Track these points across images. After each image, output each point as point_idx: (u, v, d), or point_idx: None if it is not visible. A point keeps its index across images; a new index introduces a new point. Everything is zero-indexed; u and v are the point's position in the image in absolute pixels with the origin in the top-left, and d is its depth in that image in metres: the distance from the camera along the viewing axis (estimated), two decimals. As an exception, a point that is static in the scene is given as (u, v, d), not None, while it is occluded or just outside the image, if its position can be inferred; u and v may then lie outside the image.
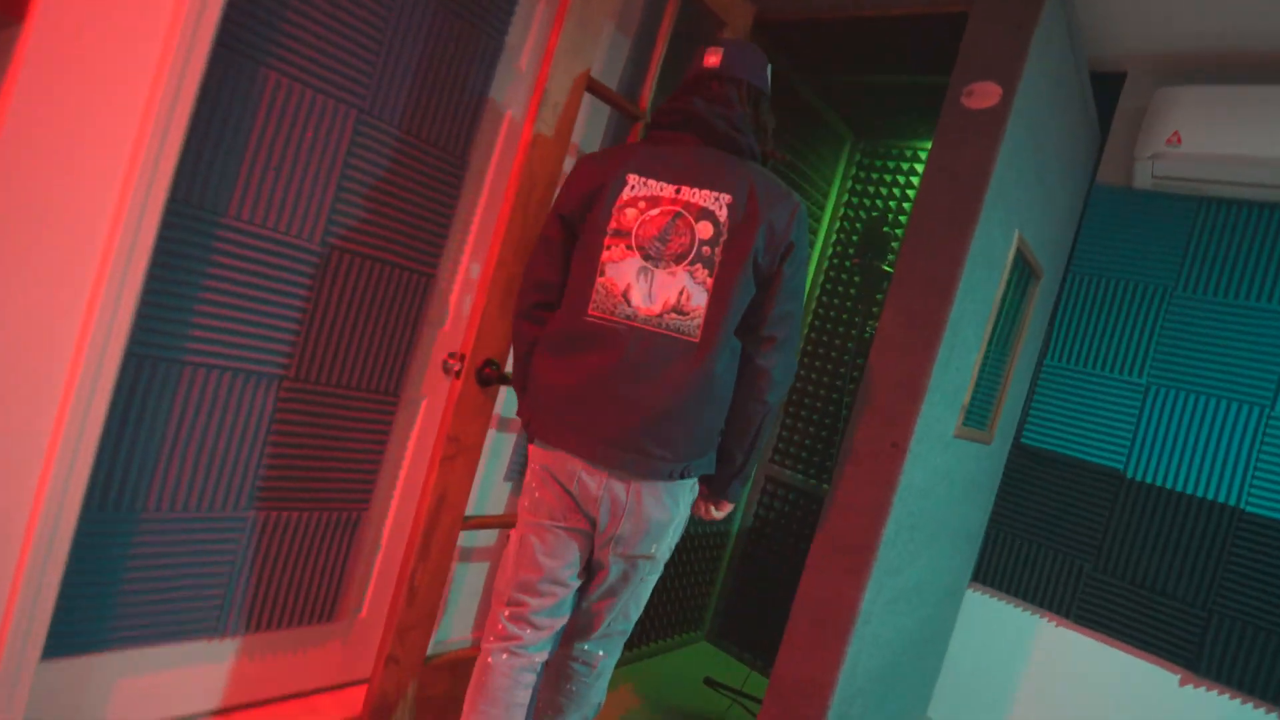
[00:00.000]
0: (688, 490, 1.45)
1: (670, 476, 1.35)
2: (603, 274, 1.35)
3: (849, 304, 2.76)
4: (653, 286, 1.33)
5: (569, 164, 1.98)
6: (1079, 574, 2.15)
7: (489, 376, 1.54)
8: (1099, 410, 2.18)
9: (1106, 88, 2.24)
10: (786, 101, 2.28)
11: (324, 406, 1.66)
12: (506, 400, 2.03)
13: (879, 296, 2.64)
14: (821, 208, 2.84)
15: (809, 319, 2.82)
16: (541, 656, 1.46)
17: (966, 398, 1.73)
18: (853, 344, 2.69)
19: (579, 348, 1.36)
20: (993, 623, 2.27)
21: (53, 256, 1.16)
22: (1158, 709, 2.00)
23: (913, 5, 1.76)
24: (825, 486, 2.67)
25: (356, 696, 1.80)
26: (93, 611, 1.40)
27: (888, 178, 2.76)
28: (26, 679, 1.23)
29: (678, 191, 1.36)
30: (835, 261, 2.84)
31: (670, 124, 1.43)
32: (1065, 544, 2.18)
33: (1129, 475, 2.11)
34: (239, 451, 1.54)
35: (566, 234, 1.43)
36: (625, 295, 1.34)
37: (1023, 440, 2.28)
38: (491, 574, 2.15)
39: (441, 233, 1.78)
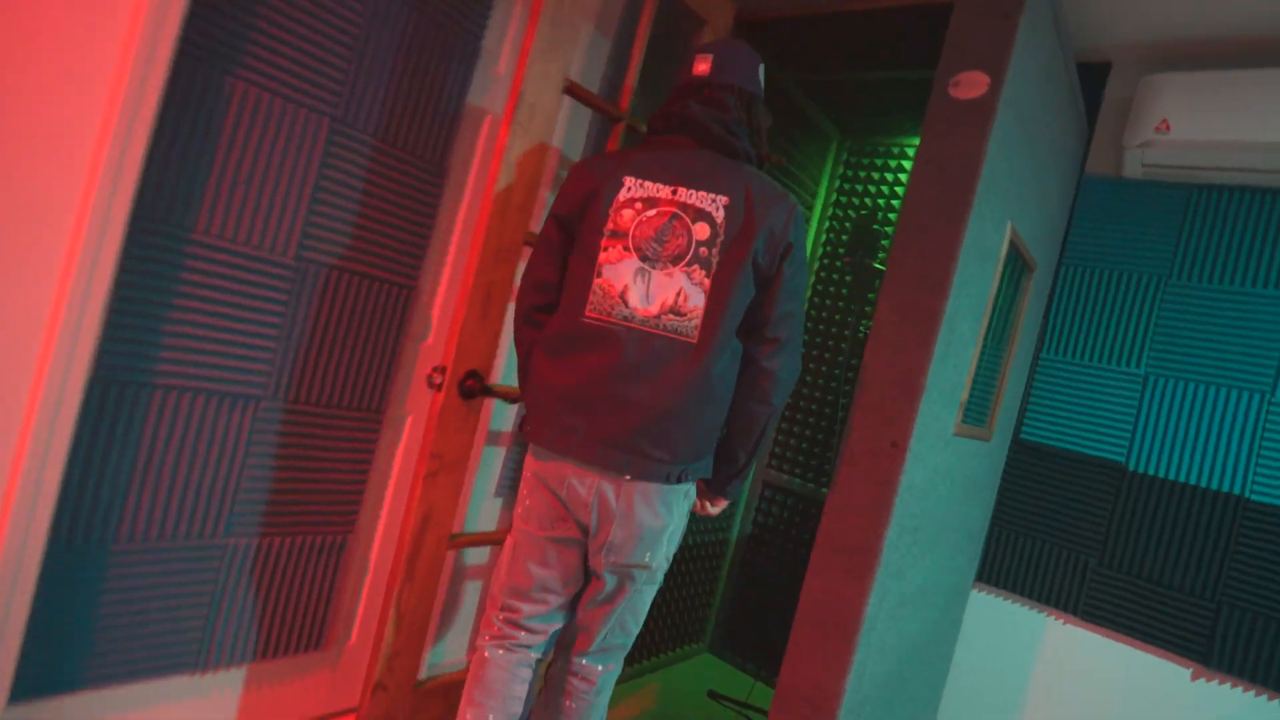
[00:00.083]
0: (682, 497, 1.42)
1: (667, 479, 1.34)
2: (600, 275, 1.35)
3: (841, 304, 2.72)
4: (650, 287, 1.33)
5: (559, 170, 1.94)
6: (1084, 570, 2.11)
7: (471, 389, 1.49)
8: (1098, 403, 2.15)
9: (1091, 78, 2.22)
10: (771, 101, 2.24)
11: (304, 427, 1.60)
12: (495, 413, 1.97)
13: (871, 296, 2.61)
14: (810, 208, 2.81)
15: (800, 320, 2.78)
16: (538, 654, 1.47)
17: (964, 394, 1.69)
18: (846, 344, 2.66)
19: (577, 349, 1.35)
20: (999, 623, 2.23)
21: (6, 278, 1.11)
22: (1171, 705, 1.95)
23: (895, -3, 1.74)
24: (824, 490, 2.63)
25: (347, 727, 1.74)
26: (63, 651, 1.34)
27: (875, 175, 2.73)
28: (-8, 725, 1.17)
29: (674, 193, 1.36)
30: (826, 261, 2.81)
31: (667, 128, 1.44)
32: (1069, 540, 2.14)
33: (1131, 468, 2.08)
34: (215, 477, 1.48)
35: (564, 236, 1.44)
36: (623, 296, 1.34)
37: (1022, 436, 2.25)
38: (485, 593, 2.09)
39: (421, 243, 1.73)
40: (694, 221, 1.34)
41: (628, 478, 1.33)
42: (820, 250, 2.83)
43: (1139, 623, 2.01)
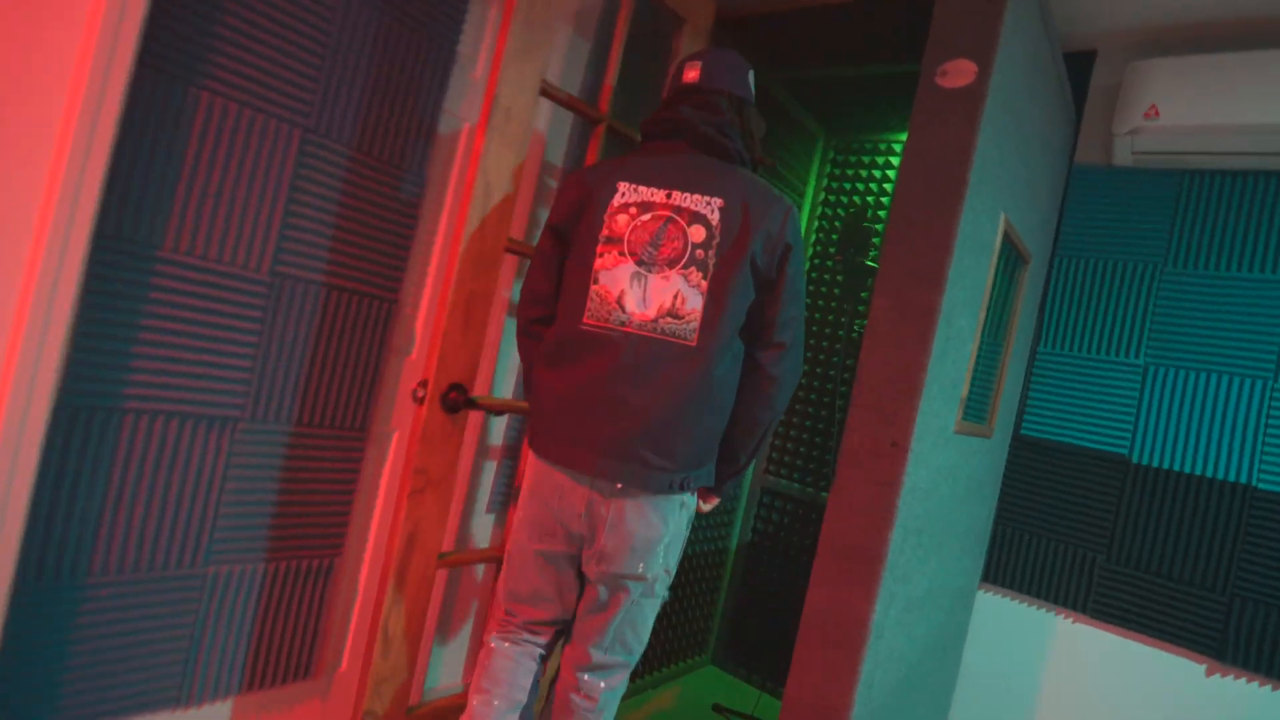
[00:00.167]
0: (678, 507, 1.38)
1: (670, 488, 1.32)
2: (596, 281, 1.35)
3: (833, 304, 2.69)
4: (646, 291, 1.32)
5: (541, 174, 1.90)
6: (1092, 566, 2.06)
7: (455, 401, 1.44)
8: (1098, 395, 2.11)
9: (1077, 67, 2.20)
10: (755, 101, 2.21)
11: (285, 448, 1.55)
12: (491, 427, 1.92)
13: (864, 294, 2.57)
14: (798, 207, 2.77)
15: (793, 322, 2.75)
16: (542, 649, 1.49)
17: (964, 390, 1.65)
18: (841, 344, 2.62)
19: (575, 356, 1.35)
20: (1007, 624, 2.18)
21: (-40, 302, 1.06)
22: (1186, 701, 1.91)
23: (877, -12, 1.71)
24: (823, 494, 2.58)
25: (339, 758, 1.67)
26: (36, 692, 1.27)
27: (863, 173, 2.70)
28: (-43, 776, 1.10)
29: (669, 196, 1.35)
30: (817, 261, 2.77)
31: (660, 133, 1.44)
32: (1075, 536, 2.10)
33: (1134, 460, 2.04)
34: (193, 503, 1.42)
35: (560, 245, 1.44)
36: (619, 301, 1.33)
37: (1022, 432, 2.21)
38: (482, 613, 2.03)
39: (402, 255, 1.69)
40: (689, 225, 1.34)
41: (618, 486, 1.31)
42: (810, 250, 2.80)
43: (1150, 619, 1.97)
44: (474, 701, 1.42)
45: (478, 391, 1.82)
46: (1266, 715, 1.80)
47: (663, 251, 1.33)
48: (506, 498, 2.00)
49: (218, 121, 1.34)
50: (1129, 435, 2.05)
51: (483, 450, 1.94)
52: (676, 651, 2.57)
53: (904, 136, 2.62)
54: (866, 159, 2.71)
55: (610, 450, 1.31)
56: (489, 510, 1.98)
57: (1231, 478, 1.90)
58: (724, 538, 2.73)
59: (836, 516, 1.47)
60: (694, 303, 1.32)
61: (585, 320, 1.35)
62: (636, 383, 1.31)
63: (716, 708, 2.35)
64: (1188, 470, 1.97)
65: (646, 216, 1.35)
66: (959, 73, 1.45)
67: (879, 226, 2.60)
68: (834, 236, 2.74)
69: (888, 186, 2.64)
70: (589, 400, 1.33)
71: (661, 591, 1.44)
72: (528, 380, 1.48)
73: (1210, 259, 2.00)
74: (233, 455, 1.46)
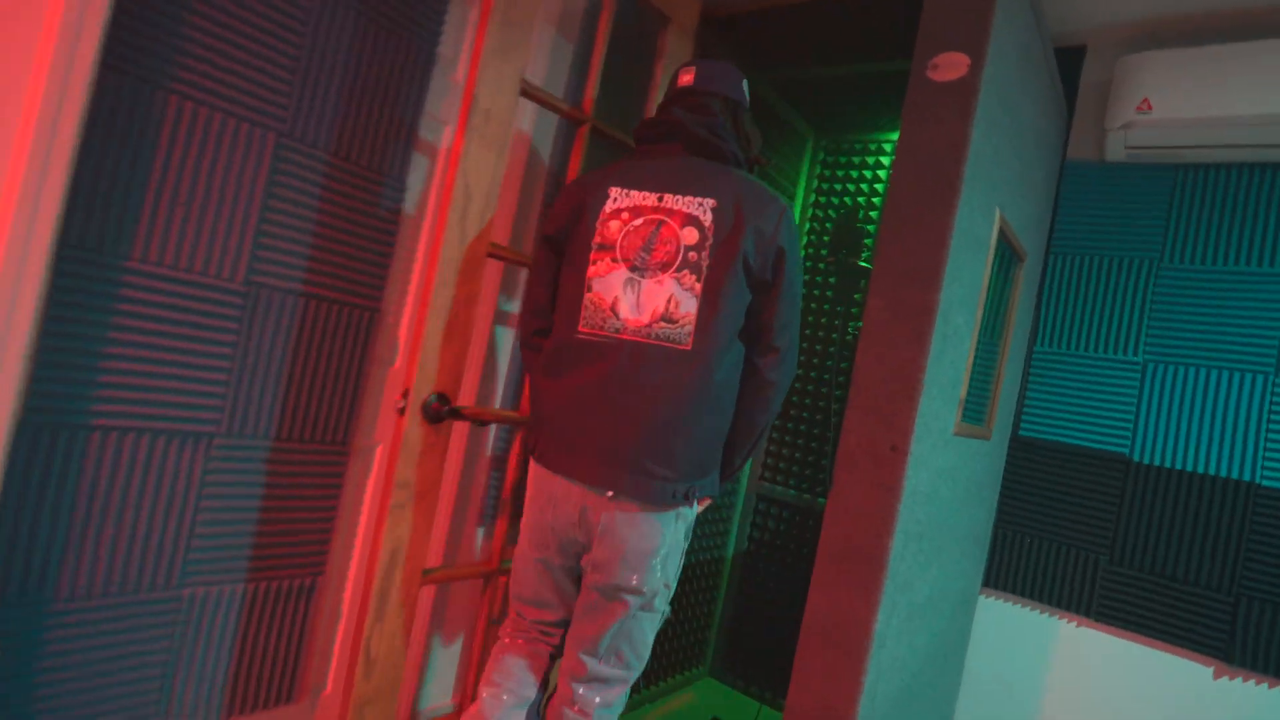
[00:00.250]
0: (674, 518, 1.33)
1: (673, 498, 1.30)
2: (590, 289, 1.34)
3: (826, 306, 2.65)
4: (640, 297, 1.31)
5: (525, 177, 1.86)
6: (1094, 568, 2.02)
7: (438, 412, 1.39)
8: (1097, 394, 2.08)
9: (1067, 63, 2.18)
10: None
11: (264, 463, 1.49)
12: (473, 437, 1.87)
13: (857, 296, 2.54)
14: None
15: (786, 326, 2.71)
16: (553, 650, 1.50)
17: (963, 391, 1.61)
18: (835, 347, 2.58)
19: (571, 365, 1.33)
20: (1010, 629, 2.14)
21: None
22: (1193, 705, 1.87)
23: (866, -16, 1.68)
24: (820, 500, 2.54)
25: (325, 784, 1.61)
26: (-1, 724, 1.21)
27: (854, 173, 2.67)
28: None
29: (660, 199, 1.34)
30: (809, 264, 2.74)
31: (655, 136, 1.43)
32: (1077, 538, 2.06)
33: (1135, 459, 2.01)
34: (166, 522, 1.36)
35: (555, 256, 1.44)
36: (613, 308, 1.31)
37: (1020, 433, 2.17)
38: (472, 629, 1.97)
39: (383, 262, 1.64)
40: (682, 227, 1.32)
41: (609, 494, 1.28)
42: (802, 253, 2.76)
43: (1155, 621, 1.93)
44: (483, 694, 1.43)
45: (463, 401, 1.78)
46: (1277, 719, 1.76)
47: (655, 256, 1.32)
48: (497, 510, 1.94)
49: (187, 126, 1.29)
50: (1129, 434, 2.02)
51: (471, 461, 1.89)
52: (673, 664, 2.51)
53: (894, 136, 2.60)
54: (857, 159, 2.68)
55: (605, 458, 1.29)
56: (479, 523, 1.93)
57: (1234, 475, 1.87)
58: (720, 546, 2.68)
59: (835, 522, 1.43)
60: (688, 306, 1.30)
61: (580, 328, 1.34)
62: (632, 389, 1.29)
63: (715, 721, 2.30)
64: (1189, 468, 1.93)
65: (638, 221, 1.34)
66: (951, 66, 1.42)
67: (870, 227, 2.57)
68: (825, 238, 2.70)
69: (879, 186, 2.61)
70: (585, 408, 1.31)
71: (661, 606, 1.41)
72: (530, 390, 1.50)
73: (1207, 254, 1.97)
74: (208, 472, 1.41)
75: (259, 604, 1.53)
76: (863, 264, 2.51)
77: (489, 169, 1.41)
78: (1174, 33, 2.04)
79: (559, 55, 1.89)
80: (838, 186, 2.71)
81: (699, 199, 1.33)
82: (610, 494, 1.29)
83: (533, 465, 1.42)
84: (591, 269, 1.35)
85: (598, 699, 1.39)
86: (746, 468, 2.68)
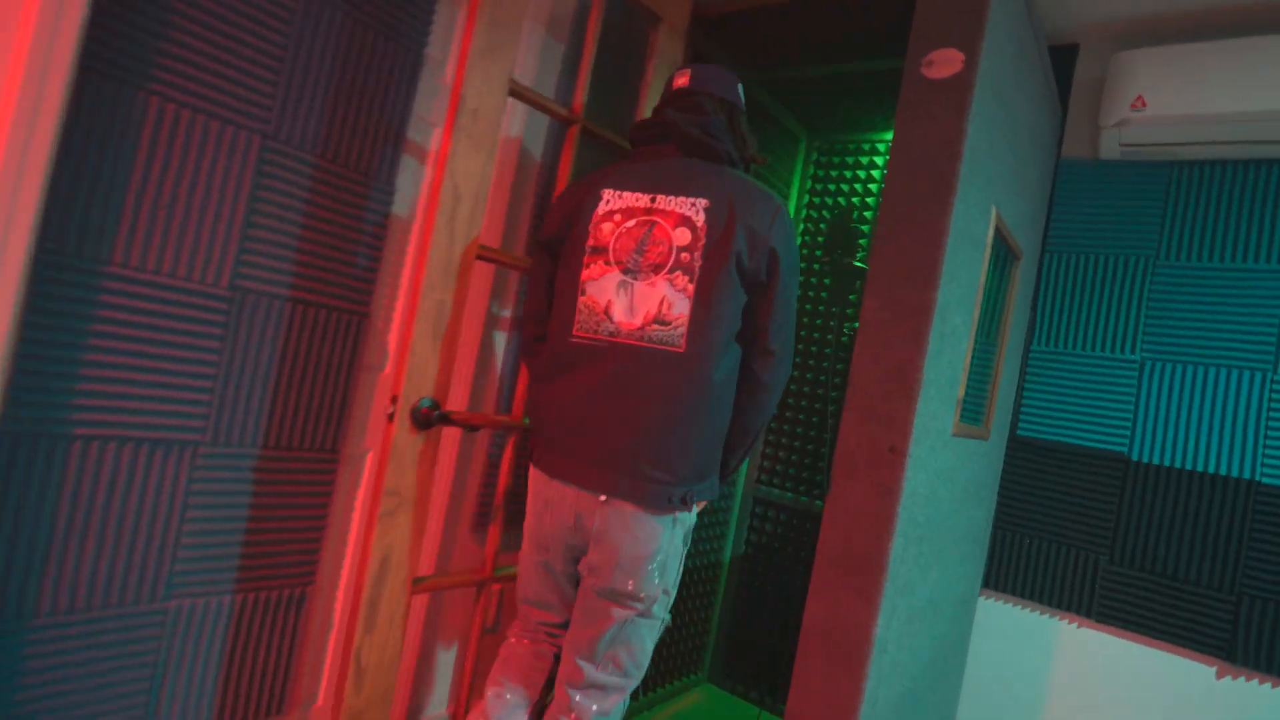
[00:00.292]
0: (671, 522, 1.31)
1: (669, 502, 1.28)
2: (584, 293, 1.33)
3: (821, 307, 2.63)
4: (633, 299, 1.29)
5: (515, 179, 1.83)
6: (1094, 568, 2.01)
7: (428, 417, 1.36)
8: (1094, 392, 2.06)
9: (1059, 62, 2.17)
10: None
11: (251, 472, 1.46)
12: (468, 441, 1.84)
13: (852, 297, 2.52)
14: (782, 211, 2.73)
15: (781, 328, 2.69)
16: (558, 650, 1.49)
17: (961, 391, 1.60)
18: (830, 349, 2.56)
19: (566, 369, 1.33)
20: (1010, 630, 2.12)
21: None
22: (1197, 705, 1.85)
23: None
24: (818, 503, 2.51)
25: (316, 800, 1.58)
26: (-22, 744, 1.18)
27: (847, 173, 2.66)
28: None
29: (653, 200, 1.33)
30: (803, 265, 2.72)
31: (649, 137, 1.43)
32: (1076, 538, 2.04)
33: (1134, 458, 1.99)
34: (151, 533, 1.33)
35: (552, 261, 1.43)
36: (607, 312, 1.30)
37: (1019, 433, 2.15)
38: (466, 637, 1.94)
39: (372, 266, 1.61)
40: (674, 228, 1.30)
41: (602, 498, 1.28)
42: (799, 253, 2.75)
43: (1156, 621, 1.91)
44: (489, 693, 1.45)
45: (455, 406, 1.75)
46: (1281, 718, 1.75)
47: (647, 257, 1.30)
48: (491, 516, 1.92)
49: (169, 128, 1.27)
50: (1127, 433, 2.00)
51: (464, 466, 1.86)
52: (671, 670, 2.48)
53: (889, 136, 2.59)
54: (850, 159, 2.66)
55: (600, 462, 1.28)
56: (473, 530, 1.90)
57: (1234, 473, 1.86)
58: (717, 550, 2.65)
59: (834, 525, 1.41)
60: (680, 308, 1.28)
61: (575, 333, 1.33)
62: (625, 393, 1.28)
63: (714, 728, 2.27)
64: (1189, 467, 1.92)
65: (631, 223, 1.33)
66: (945, 62, 1.40)
67: (865, 227, 2.55)
68: (820, 239, 2.69)
69: (873, 187, 2.60)
70: (580, 412, 1.31)
71: (660, 613, 1.39)
72: (529, 395, 1.50)
73: (1204, 250, 1.96)
74: (193, 482, 1.38)
75: (248, 616, 1.49)
76: (858, 264, 2.50)
77: (477, 170, 1.39)
78: (1167, 29, 2.04)
79: (549, 56, 1.87)
80: (831, 187, 2.70)
81: (691, 199, 1.31)
82: (604, 497, 1.28)
83: (531, 470, 1.41)
84: (585, 272, 1.34)
85: (594, 707, 1.36)
86: (742, 470, 2.65)
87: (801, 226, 2.75)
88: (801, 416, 2.61)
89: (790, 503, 2.59)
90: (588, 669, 1.35)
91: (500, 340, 1.89)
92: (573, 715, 1.35)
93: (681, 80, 1.45)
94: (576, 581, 1.42)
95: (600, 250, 1.34)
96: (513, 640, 1.50)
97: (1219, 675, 1.83)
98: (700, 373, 1.28)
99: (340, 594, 1.65)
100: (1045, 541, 2.08)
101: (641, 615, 1.34)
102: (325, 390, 1.56)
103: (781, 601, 2.53)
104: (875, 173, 2.60)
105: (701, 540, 2.55)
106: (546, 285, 1.46)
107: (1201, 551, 1.88)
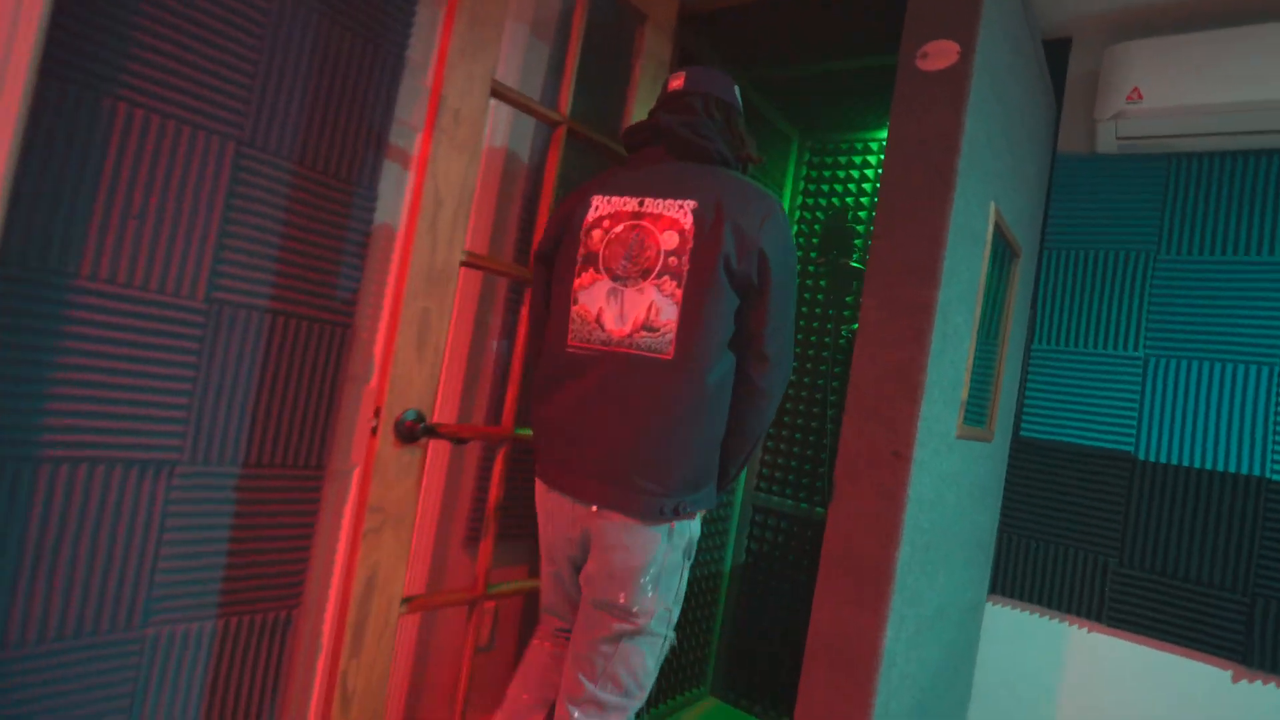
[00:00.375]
0: (666, 534, 1.26)
1: (661, 513, 1.24)
2: (576, 302, 1.31)
3: (818, 309, 2.59)
4: (623, 307, 1.27)
5: (501, 183, 1.79)
6: (1104, 571, 1.96)
7: (413, 430, 1.31)
8: (1098, 391, 2.02)
9: (1053, 56, 2.14)
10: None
11: (233, 491, 1.41)
12: (459, 454, 1.79)
13: (849, 299, 2.48)
14: (775, 213, 2.69)
15: (777, 331, 2.65)
16: None
17: (964, 392, 1.55)
18: (828, 351, 2.52)
19: (562, 379, 1.31)
20: (1019, 636, 2.07)
21: None
22: (1213, 710, 1.80)
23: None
24: (819, 509, 2.46)
25: (306, 832, 1.51)
26: (-59, 786, 1.12)
27: (841, 173, 2.62)
28: None
29: (641, 204, 1.30)
30: (798, 267, 2.68)
31: (640, 141, 1.41)
32: (1084, 540, 1.99)
33: (1141, 457, 1.95)
34: (126, 558, 1.27)
35: (549, 271, 1.44)
36: (599, 320, 1.28)
37: (1022, 433, 2.11)
38: (456, 659, 1.88)
39: (355, 275, 1.56)
40: (662, 232, 1.27)
41: (594, 509, 1.25)
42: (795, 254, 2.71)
43: (1168, 624, 1.86)
44: (509, 693, 1.47)
45: (443, 418, 1.70)
46: (1301, 722, 1.70)
47: (636, 263, 1.28)
48: (483, 532, 1.86)
49: (138, 133, 1.22)
50: (1133, 431, 1.96)
51: (454, 481, 1.80)
52: (673, 684, 2.42)
53: (882, 134, 2.55)
54: (844, 158, 2.63)
55: (592, 472, 1.26)
56: (465, 546, 1.85)
57: (1244, 470, 1.81)
58: (717, 560, 2.60)
59: (837, 533, 1.36)
60: (668, 313, 1.24)
61: (570, 342, 1.32)
62: (616, 402, 1.25)
63: (718, 743, 2.21)
64: (1197, 465, 1.88)
65: (619, 228, 1.30)
66: (941, 54, 1.36)
67: (860, 227, 2.52)
68: (815, 240, 2.65)
69: (867, 186, 2.56)
70: (574, 422, 1.30)
71: (660, 629, 1.34)
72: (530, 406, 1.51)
73: (1205, 244, 1.92)
74: (171, 503, 1.32)
75: (231, 641, 1.44)
76: (854, 265, 2.46)
77: (460, 173, 1.34)
78: (1161, 20, 2.01)
79: (534, 57, 1.82)
80: (825, 187, 2.66)
81: (679, 201, 1.28)
82: (595, 508, 1.26)
83: (536, 481, 1.42)
84: (577, 281, 1.32)
85: (593, 723, 1.32)
86: (741, 477, 2.60)
87: (796, 228, 2.72)
88: (800, 422, 2.57)
89: (791, 510, 2.54)
90: (588, 686, 1.31)
91: (491, 349, 1.84)
92: None
93: (675, 83, 1.43)
94: (579, 591, 1.40)
95: (591, 258, 1.32)
96: (535, 642, 1.52)
97: (1235, 679, 1.78)
98: (690, 380, 1.24)
99: (328, 616, 1.59)
100: (1052, 545, 2.04)
101: (639, 633, 1.29)
102: (309, 405, 1.50)
103: (784, 611, 2.47)
104: (869, 172, 2.56)
105: (701, 550, 2.49)
106: (545, 297, 1.46)
107: (1213, 552, 1.83)
